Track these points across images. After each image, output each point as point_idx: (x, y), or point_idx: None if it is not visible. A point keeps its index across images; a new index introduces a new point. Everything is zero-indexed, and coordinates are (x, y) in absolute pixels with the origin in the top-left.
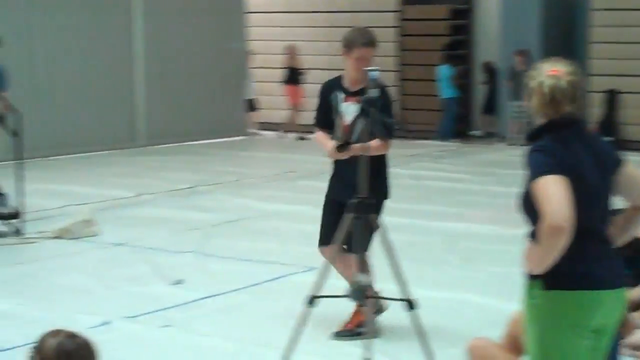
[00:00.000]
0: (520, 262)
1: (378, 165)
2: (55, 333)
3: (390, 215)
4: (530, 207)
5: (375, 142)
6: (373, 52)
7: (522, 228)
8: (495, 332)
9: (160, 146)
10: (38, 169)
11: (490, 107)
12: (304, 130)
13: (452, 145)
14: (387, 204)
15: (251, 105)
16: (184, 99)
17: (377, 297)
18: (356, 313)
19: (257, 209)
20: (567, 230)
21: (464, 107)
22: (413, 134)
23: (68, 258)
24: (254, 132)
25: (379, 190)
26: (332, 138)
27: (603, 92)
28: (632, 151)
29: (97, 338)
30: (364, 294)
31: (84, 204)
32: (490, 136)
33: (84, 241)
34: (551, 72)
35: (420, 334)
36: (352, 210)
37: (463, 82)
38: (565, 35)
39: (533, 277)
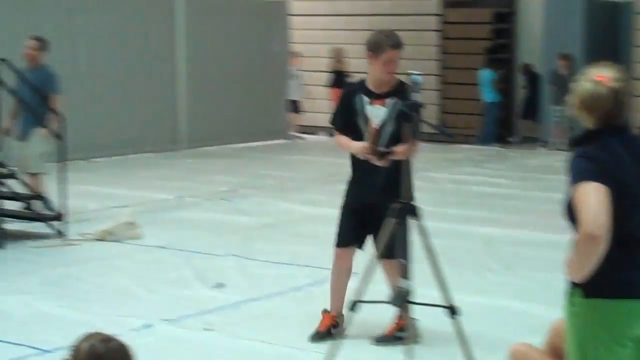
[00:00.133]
0: (562, 269)
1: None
2: (91, 336)
3: (431, 219)
4: (572, 214)
5: (409, 146)
6: (400, 54)
7: (564, 234)
8: (536, 339)
9: (202, 149)
10: (80, 171)
11: (529, 111)
12: None
13: (493, 149)
14: (427, 208)
15: (295, 107)
16: (226, 101)
17: (420, 304)
18: (397, 318)
19: (298, 212)
20: (601, 238)
21: (505, 111)
22: (454, 138)
23: (110, 260)
24: (296, 135)
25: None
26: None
27: None
28: None
29: (138, 341)
30: (406, 300)
31: (125, 206)
32: (528, 141)
33: (126, 243)
34: (597, 77)
35: (462, 340)
36: (395, 214)
37: (505, 86)
38: (609, 39)
39: (574, 285)
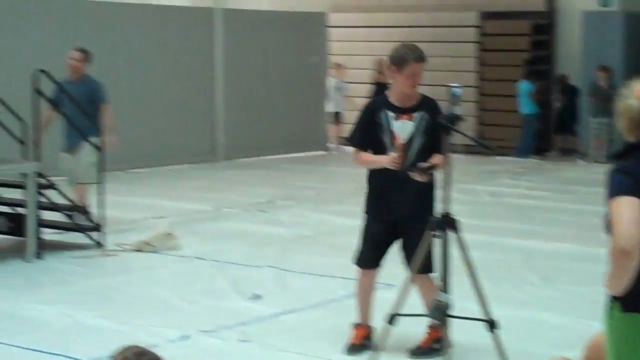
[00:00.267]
0: (602, 282)
1: (431, 183)
2: (126, 350)
3: (469, 232)
4: (610, 228)
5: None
6: (424, 67)
7: (604, 246)
8: (575, 353)
9: (240, 160)
10: (118, 181)
11: (564, 124)
12: None
13: (531, 162)
14: (465, 221)
15: (337, 119)
16: (264, 112)
17: (458, 317)
18: (432, 330)
19: (335, 224)
20: (633, 253)
21: (543, 123)
22: (492, 150)
23: (148, 271)
24: (335, 147)
25: (432, 206)
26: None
27: None
28: None
29: (175, 352)
30: (445, 313)
31: (163, 217)
32: (566, 153)
33: (163, 254)
34: None
35: (501, 353)
36: (434, 227)
37: (543, 98)
38: None
39: (613, 298)
